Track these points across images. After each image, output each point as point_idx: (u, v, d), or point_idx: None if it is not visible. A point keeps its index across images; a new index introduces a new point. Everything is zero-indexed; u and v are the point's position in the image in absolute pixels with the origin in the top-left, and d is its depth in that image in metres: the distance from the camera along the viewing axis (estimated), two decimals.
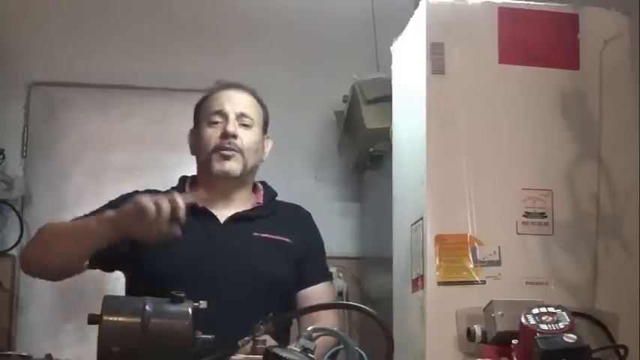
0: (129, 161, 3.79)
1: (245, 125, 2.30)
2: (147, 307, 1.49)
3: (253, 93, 2.38)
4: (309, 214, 2.43)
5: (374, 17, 3.78)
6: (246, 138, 2.29)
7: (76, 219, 2.23)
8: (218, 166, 2.26)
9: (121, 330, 1.48)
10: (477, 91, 2.18)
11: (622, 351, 1.89)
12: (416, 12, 2.28)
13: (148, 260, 2.18)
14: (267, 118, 2.39)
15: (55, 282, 2.42)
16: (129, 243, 2.18)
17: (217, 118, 2.29)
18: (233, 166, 2.26)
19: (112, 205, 2.19)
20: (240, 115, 2.30)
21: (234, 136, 2.26)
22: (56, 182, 3.79)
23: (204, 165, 2.30)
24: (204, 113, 2.34)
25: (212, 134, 2.28)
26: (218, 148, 2.26)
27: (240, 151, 2.27)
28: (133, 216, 1.96)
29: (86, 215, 2.22)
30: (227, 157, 2.26)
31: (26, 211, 3.74)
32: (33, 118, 3.84)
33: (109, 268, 2.33)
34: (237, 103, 2.32)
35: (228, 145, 2.26)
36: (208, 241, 2.22)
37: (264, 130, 2.38)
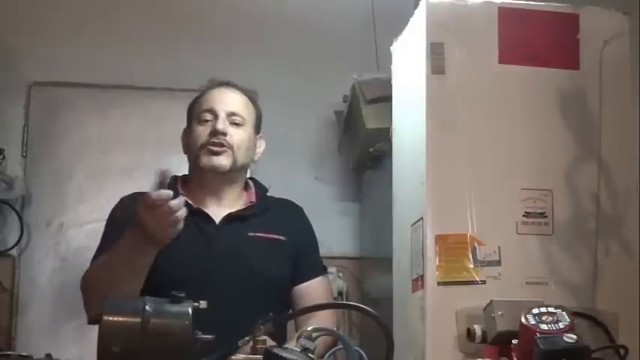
0: (129, 161, 3.79)
1: (236, 124, 2.28)
2: (147, 307, 1.49)
3: (245, 92, 2.36)
4: (301, 208, 2.41)
5: (374, 17, 3.78)
6: (237, 136, 2.27)
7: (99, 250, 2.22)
8: (206, 160, 2.24)
9: (121, 330, 1.48)
10: (477, 91, 2.18)
11: (622, 351, 1.90)
12: (416, 12, 2.28)
13: None
14: (259, 117, 2.37)
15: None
16: None
17: (208, 117, 2.28)
18: (222, 161, 2.24)
19: (115, 216, 2.18)
20: (231, 114, 2.28)
21: (224, 134, 2.25)
22: (56, 182, 3.78)
23: (194, 162, 2.30)
24: (195, 112, 2.33)
25: (202, 132, 2.27)
26: (207, 144, 2.25)
27: (230, 147, 2.25)
28: (148, 214, 1.93)
29: (103, 241, 2.22)
30: (216, 153, 2.24)
31: (26, 211, 3.74)
32: (33, 118, 3.84)
33: None
34: (228, 102, 2.31)
35: (216, 141, 2.24)
36: (205, 243, 2.21)
37: (257, 129, 2.36)
